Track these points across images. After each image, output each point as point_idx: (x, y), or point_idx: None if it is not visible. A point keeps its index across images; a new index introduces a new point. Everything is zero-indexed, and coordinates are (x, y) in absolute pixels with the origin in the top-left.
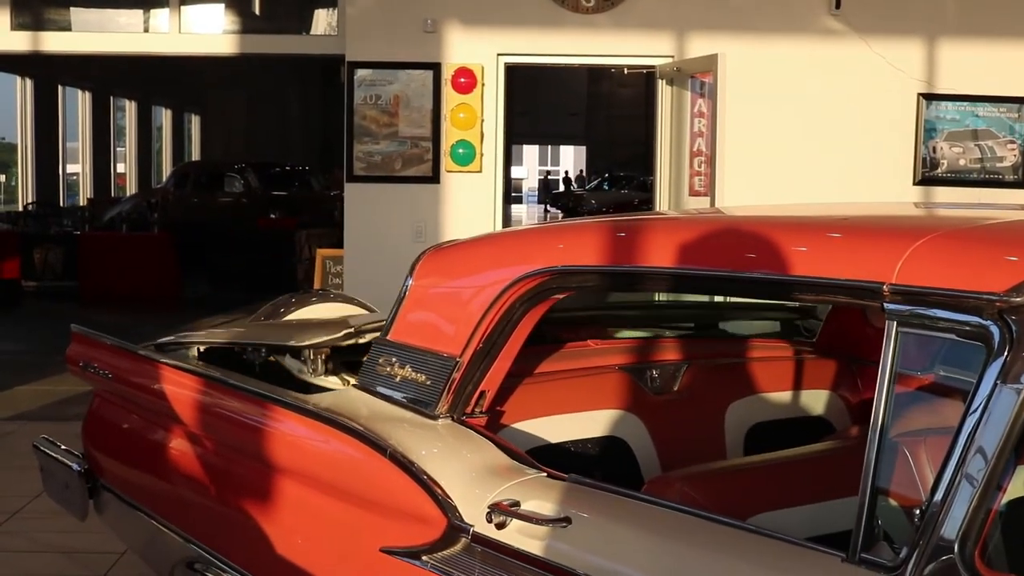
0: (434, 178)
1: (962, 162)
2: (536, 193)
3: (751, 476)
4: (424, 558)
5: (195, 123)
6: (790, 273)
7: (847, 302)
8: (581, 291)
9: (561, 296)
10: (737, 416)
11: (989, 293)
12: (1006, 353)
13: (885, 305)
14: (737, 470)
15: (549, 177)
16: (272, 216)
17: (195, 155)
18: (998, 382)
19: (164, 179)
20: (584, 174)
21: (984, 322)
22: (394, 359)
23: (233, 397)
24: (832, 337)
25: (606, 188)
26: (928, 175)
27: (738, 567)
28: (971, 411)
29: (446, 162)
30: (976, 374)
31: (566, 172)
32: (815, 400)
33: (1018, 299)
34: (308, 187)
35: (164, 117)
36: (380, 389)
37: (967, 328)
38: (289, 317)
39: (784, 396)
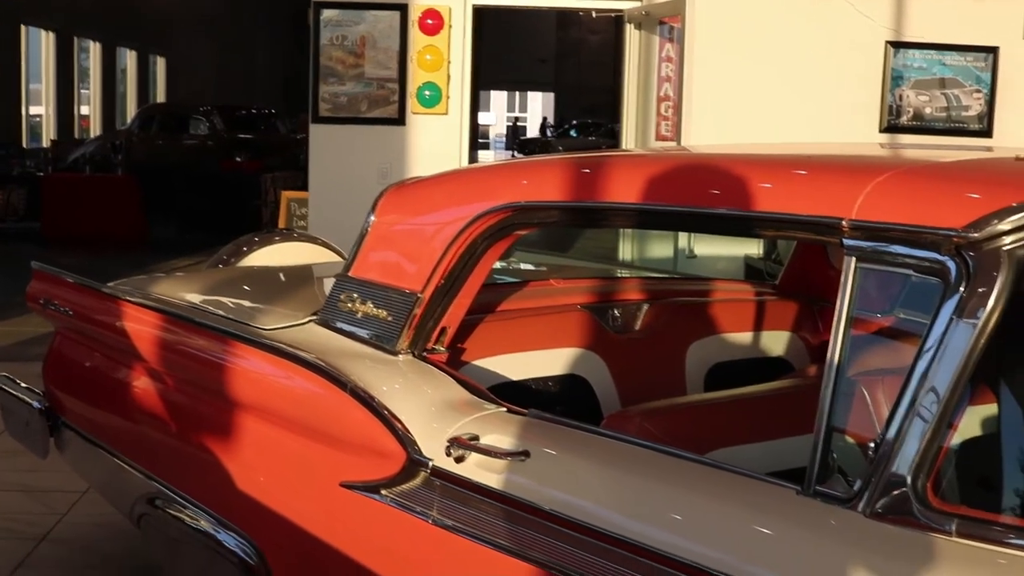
0: (400, 120)
1: (928, 110)
2: (504, 139)
3: (710, 412)
4: (383, 492)
5: (160, 65)
6: (751, 209)
7: (807, 238)
8: (543, 227)
9: (523, 232)
10: (698, 356)
11: (947, 229)
12: (962, 289)
13: (844, 241)
14: (696, 406)
15: (518, 123)
16: (237, 159)
17: (160, 97)
18: (954, 317)
19: (128, 121)
20: (550, 120)
21: (941, 258)
22: (355, 295)
23: (195, 333)
24: (794, 278)
25: (574, 135)
26: (894, 123)
27: (696, 500)
28: (926, 347)
29: (412, 104)
30: (933, 312)
31: (544, 118)
32: (776, 341)
33: (975, 235)
34: (274, 130)
35: (129, 59)
36: (341, 325)
37: (925, 264)
38: (251, 257)
39: (745, 337)
